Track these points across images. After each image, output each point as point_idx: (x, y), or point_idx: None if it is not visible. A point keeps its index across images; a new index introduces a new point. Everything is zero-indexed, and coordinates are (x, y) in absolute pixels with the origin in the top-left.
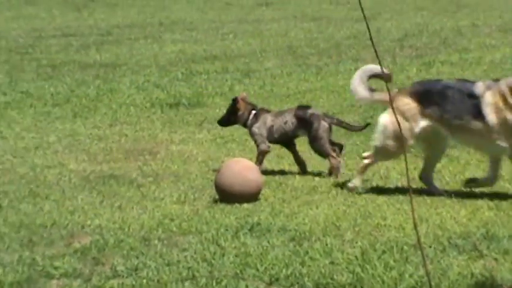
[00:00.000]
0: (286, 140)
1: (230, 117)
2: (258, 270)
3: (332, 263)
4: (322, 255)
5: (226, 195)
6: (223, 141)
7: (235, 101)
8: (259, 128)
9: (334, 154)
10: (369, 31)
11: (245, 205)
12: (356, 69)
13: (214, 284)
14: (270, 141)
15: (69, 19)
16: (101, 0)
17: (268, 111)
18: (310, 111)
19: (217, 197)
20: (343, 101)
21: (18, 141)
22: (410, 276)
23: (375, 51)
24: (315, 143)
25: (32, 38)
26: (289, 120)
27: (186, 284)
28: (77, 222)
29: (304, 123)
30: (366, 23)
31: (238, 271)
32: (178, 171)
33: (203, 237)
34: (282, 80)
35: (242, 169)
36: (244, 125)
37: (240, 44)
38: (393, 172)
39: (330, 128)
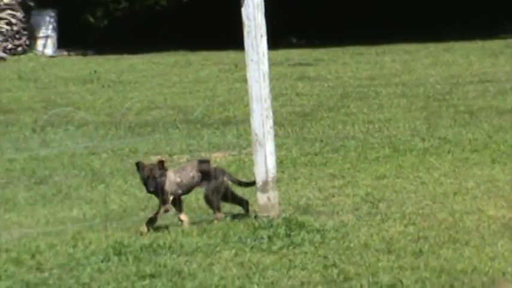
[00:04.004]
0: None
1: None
2: None
3: None
4: None
5: None
6: None
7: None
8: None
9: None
10: None
11: None
12: None
13: None
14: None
15: (486, 65)
16: None
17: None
18: (214, 165)
19: None
20: None
21: (437, 186)
22: None
23: None
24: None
25: (449, 84)
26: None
27: None
28: (498, 269)
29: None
30: None
31: None
32: None
33: None
34: None
35: None
36: None
37: None
38: None
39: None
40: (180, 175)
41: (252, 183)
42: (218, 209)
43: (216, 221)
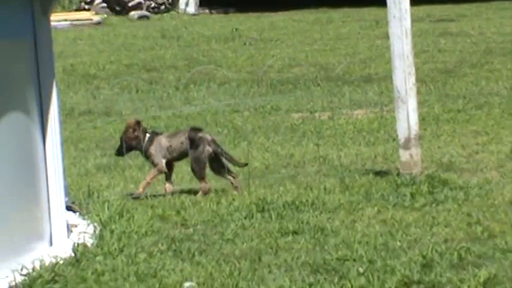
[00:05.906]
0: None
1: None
2: None
3: None
4: None
5: None
6: None
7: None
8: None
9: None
10: None
11: None
12: None
13: None
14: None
15: None
16: None
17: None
18: (200, 134)
19: None
20: None
21: None
22: None
23: None
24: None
25: None
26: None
27: None
28: None
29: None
30: None
31: None
32: None
33: None
34: None
35: None
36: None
37: None
38: None
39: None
40: (171, 140)
41: (242, 165)
42: (202, 179)
43: (200, 193)
